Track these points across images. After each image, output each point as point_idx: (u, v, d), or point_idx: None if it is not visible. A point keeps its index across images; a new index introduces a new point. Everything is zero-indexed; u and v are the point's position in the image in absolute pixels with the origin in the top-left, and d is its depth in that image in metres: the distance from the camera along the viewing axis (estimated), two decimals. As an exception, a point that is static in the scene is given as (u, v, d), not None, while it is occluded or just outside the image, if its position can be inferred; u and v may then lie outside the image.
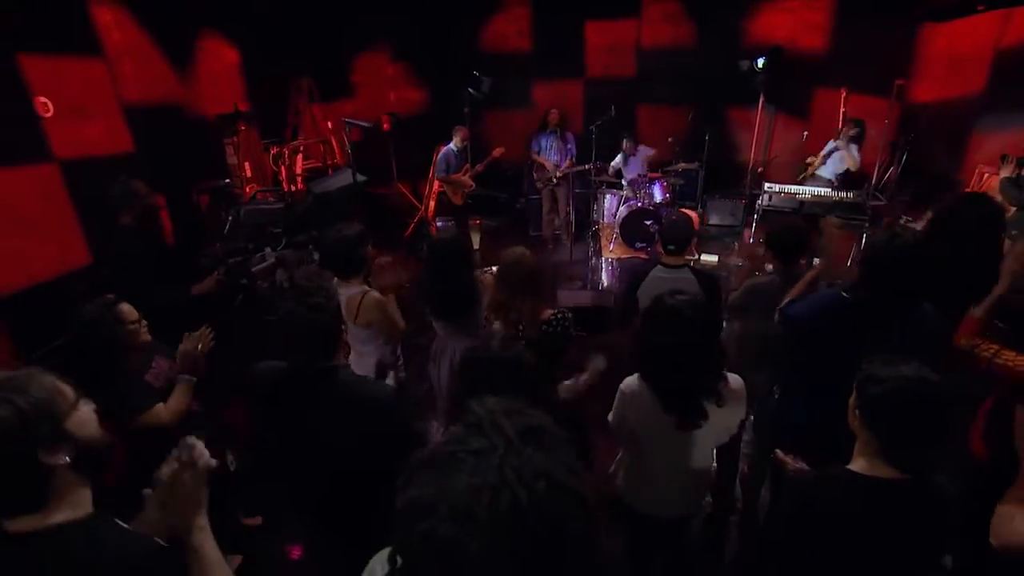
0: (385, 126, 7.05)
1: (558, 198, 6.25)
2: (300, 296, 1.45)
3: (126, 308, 2.00)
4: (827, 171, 5.90)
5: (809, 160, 6.04)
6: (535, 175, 6.39)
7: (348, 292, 2.42)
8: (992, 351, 1.72)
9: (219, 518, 1.19)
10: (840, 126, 5.98)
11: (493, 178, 7.71)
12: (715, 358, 1.57)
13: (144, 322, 2.05)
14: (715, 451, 1.77)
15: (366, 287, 2.46)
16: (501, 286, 2.19)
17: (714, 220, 6.68)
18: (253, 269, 2.93)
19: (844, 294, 1.82)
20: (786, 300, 2.08)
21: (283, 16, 6.43)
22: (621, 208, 5.84)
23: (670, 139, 6.34)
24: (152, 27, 4.95)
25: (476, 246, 6.14)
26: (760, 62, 6.58)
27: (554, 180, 6.09)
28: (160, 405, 1.98)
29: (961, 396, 2.01)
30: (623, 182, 6.03)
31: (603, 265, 5.84)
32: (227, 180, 3.72)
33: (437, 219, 6.47)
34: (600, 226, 6.19)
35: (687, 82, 7.29)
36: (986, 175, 5.62)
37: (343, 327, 1.59)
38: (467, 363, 1.45)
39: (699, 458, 1.64)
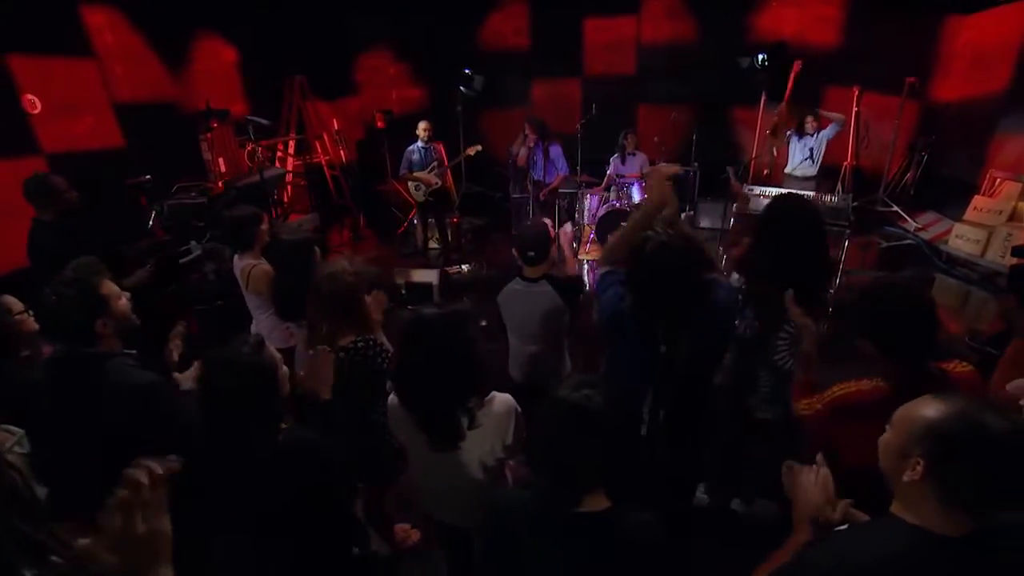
0: (379, 123, 7.17)
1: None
2: (55, 284, 1.52)
3: (10, 299, 2.07)
4: (810, 168, 5.61)
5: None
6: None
7: (241, 264, 2.68)
8: (804, 406, 1.61)
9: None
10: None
11: (488, 177, 7.72)
12: (463, 378, 1.48)
13: (30, 312, 2.16)
14: None
15: (257, 260, 2.65)
16: (311, 300, 1.98)
17: (705, 224, 6.43)
18: (181, 261, 3.07)
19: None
20: (605, 269, 1.89)
21: (282, 16, 6.65)
22: (600, 208, 5.72)
23: (656, 138, 6.15)
24: (146, 28, 5.22)
25: (434, 245, 6.15)
26: (760, 58, 6.27)
27: (540, 197, 5.88)
28: None
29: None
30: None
31: (578, 266, 5.73)
32: (148, 176, 3.87)
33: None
34: (580, 227, 6.08)
35: (688, 80, 7.06)
36: (998, 180, 5.17)
37: (102, 320, 1.60)
38: (213, 368, 1.38)
39: (466, 474, 1.56)
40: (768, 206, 2.14)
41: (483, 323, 4.52)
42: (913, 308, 1.45)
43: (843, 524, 1.26)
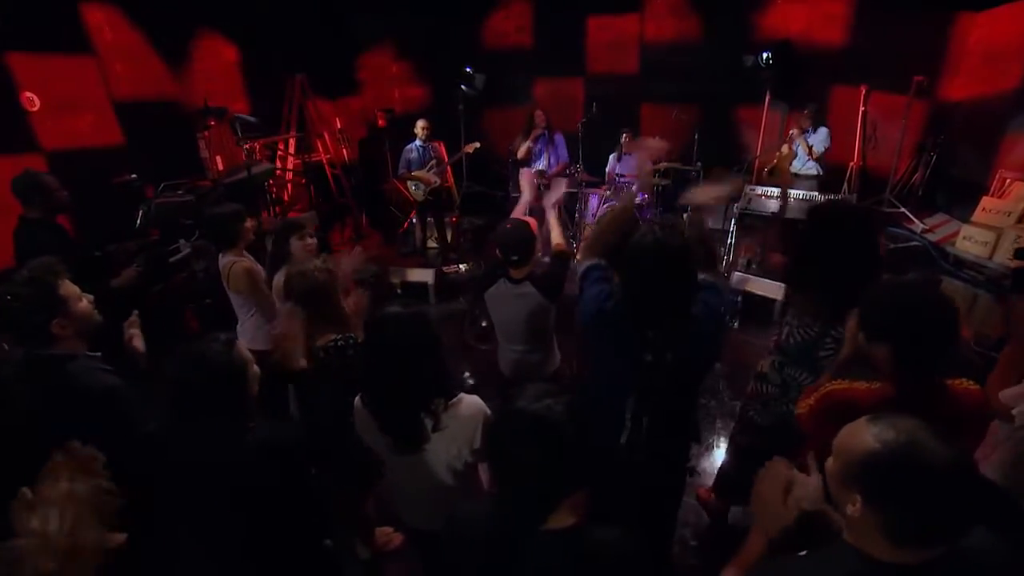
0: (381, 122, 7.16)
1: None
2: (10, 284, 1.50)
3: None
4: (814, 167, 5.58)
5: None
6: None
7: (223, 261, 2.69)
8: (802, 405, 1.55)
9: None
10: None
11: (488, 176, 7.66)
12: (425, 378, 1.42)
13: None
14: None
15: (238, 258, 2.62)
16: (285, 298, 1.95)
17: (708, 224, 6.33)
18: (170, 260, 3.05)
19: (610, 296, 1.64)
20: (585, 264, 1.83)
21: (284, 15, 6.65)
22: (600, 208, 5.66)
23: (656, 137, 6.06)
24: (146, 26, 5.23)
25: (433, 244, 6.11)
26: (765, 56, 6.17)
27: (542, 187, 5.83)
28: None
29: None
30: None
31: (576, 267, 5.67)
32: (134, 175, 3.85)
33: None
34: (581, 227, 6.02)
35: (692, 79, 6.96)
36: (1008, 181, 5.04)
37: (59, 320, 1.56)
38: (182, 365, 1.34)
39: (432, 478, 1.52)
40: (814, 213, 2.07)
41: (483, 324, 4.50)
42: (930, 314, 1.33)
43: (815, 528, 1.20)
